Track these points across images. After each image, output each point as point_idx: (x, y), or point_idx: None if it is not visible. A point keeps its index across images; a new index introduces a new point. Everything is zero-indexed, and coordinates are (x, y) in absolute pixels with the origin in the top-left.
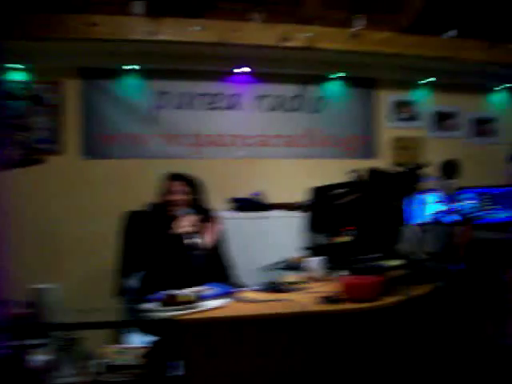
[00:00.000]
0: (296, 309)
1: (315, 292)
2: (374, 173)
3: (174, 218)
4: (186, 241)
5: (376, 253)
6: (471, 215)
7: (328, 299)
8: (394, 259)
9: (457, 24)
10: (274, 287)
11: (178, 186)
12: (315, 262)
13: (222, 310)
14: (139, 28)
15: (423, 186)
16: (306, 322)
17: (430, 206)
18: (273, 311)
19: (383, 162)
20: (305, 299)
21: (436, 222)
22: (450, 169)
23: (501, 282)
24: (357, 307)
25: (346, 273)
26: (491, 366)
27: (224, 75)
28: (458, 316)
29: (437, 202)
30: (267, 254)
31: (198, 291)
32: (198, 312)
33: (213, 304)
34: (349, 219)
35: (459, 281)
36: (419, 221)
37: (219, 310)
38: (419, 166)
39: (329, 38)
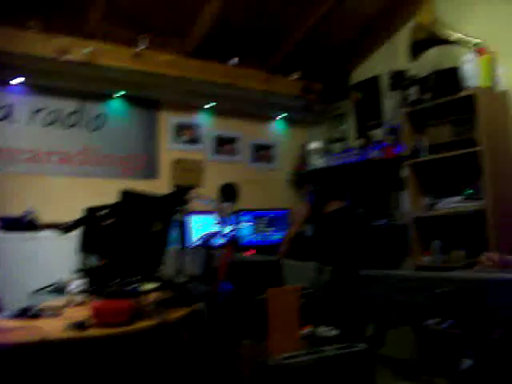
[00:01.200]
0: (36, 337)
1: (70, 317)
2: (128, 195)
3: None
4: None
5: (134, 276)
6: (237, 238)
7: (76, 325)
8: (152, 282)
9: (239, 53)
10: (26, 313)
11: None
12: (76, 285)
13: None
14: None
15: (194, 209)
16: (53, 350)
17: (199, 228)
18: (5, 340)
19: (164, 183)
20: (54, 325)
21: (201, 244)
22: (227, 192)
23: (259, 302)
24: (103, 333)
25: (101, 297)
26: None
27: None
28: (217, 337)
29: (210, 224)
30: (37, 276)
31: None
32: None
33: None
34: (111, 241)
35: (220, 302)
36: (185, 243)
37: None
38: (188, 188)
39: (111, 55)
